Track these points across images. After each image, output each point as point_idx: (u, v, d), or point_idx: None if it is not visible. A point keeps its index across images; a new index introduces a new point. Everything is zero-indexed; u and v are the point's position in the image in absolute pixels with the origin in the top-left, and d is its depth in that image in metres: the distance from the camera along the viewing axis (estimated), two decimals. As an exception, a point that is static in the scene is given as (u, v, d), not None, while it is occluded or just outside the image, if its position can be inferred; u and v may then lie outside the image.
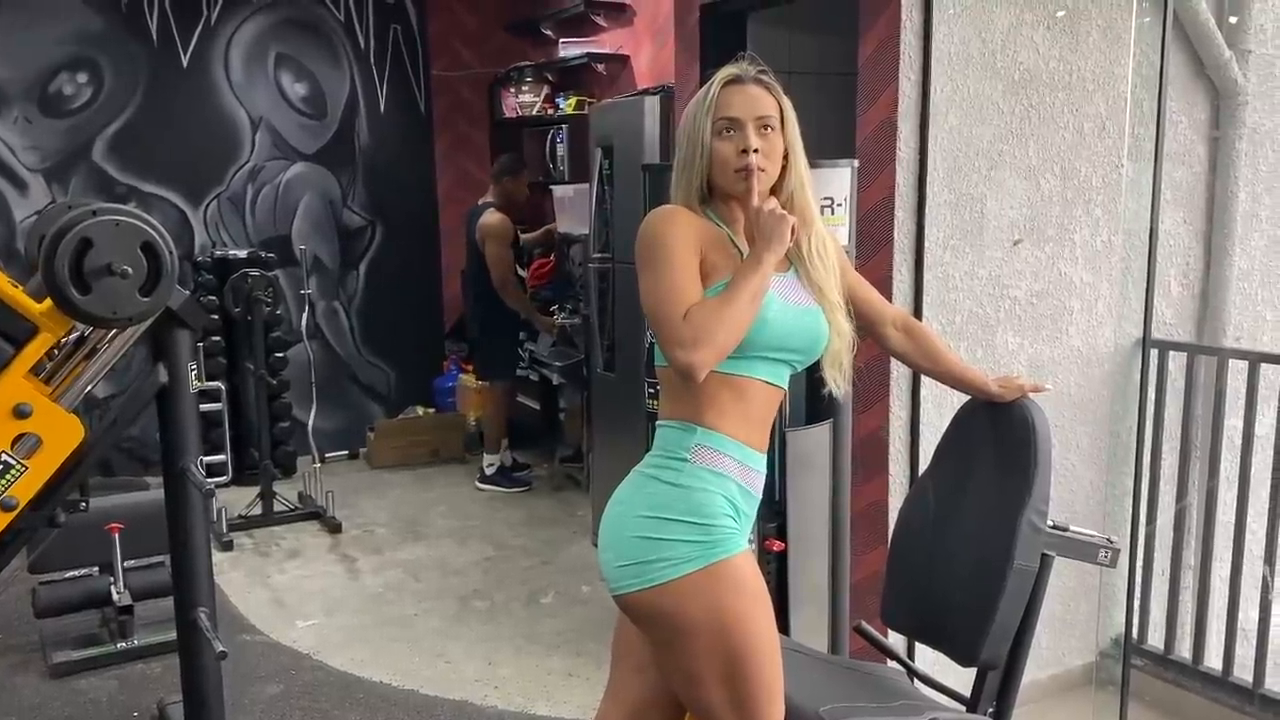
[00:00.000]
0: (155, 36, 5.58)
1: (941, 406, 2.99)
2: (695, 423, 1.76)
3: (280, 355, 5.63)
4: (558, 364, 5.44)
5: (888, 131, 2.94)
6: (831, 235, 1.96)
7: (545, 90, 6.04)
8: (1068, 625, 3.38)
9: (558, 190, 6.07)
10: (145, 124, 5.59)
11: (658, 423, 1.84)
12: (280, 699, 3.35)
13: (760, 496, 1.84)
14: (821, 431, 2.78)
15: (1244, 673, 3.23)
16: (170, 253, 1.86)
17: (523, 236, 5.74)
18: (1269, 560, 3.14)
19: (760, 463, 1.82)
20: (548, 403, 6.22)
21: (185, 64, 5.67)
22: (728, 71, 1.84)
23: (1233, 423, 3.29)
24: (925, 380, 3.00)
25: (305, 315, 5.83)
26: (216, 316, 5.35)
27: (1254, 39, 3.48)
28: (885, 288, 2.92)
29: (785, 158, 1.84)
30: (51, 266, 1.75)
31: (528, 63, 6.12)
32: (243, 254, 5.58)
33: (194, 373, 2.22)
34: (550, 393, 6.10)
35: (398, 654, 3.67)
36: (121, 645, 3.59)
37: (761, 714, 1.74)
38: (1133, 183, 3.26)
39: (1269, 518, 3.10)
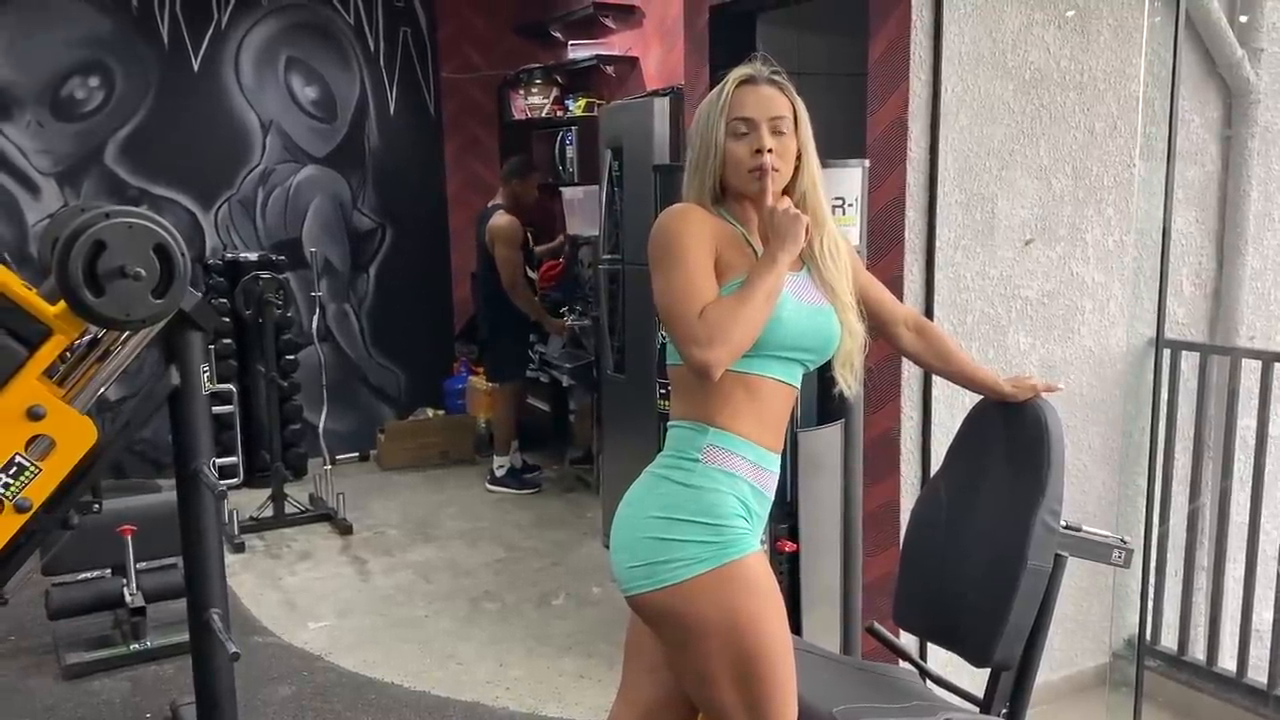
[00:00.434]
0: (166, 40, 5.60)
1: (953, 407, 2.98)
2: (707, 423, 1.76)
3: (291, 357, 5.63)
4: (568, 366, 5.44)
5: (898, 131, 2.94)
6: (843, 236, 1.96)
7: (554, 92, 6.04)
8: (1081, 626, 3.37)
9: (567, 192, 6.08)
10: (156, 127, 5.61)
11: (669, 423, 1.84)
12: (292, 700, 3.36)
13: (773, 497, 1.84)
14: (833, 432, 2.78)
15: (1258, 674, 3.21)
16: (183, 255, 1.86)
17: (537, 249, 5.75)
18: (1283, 561, 3.12)
19: (774, 463, 1.81)
20: (558, 404, 6.23)
21: (196, 67, 5.69)
22: (741, 72, 1.84)
23: (1246, 422, 3.27)
24: (937, 381, 2.99)
25: (316, 317, 5.85)
26: (227, 319, 5.36)
27: (1266, 37, 3.46)
28: (896, 288, 2.92)
29: (798, 158, 1.84)
30: (65, 269, 1.76)
31: (537, 65, 6.12)
32: (253, 257, 5.59)
33: (206, 375, 2.23)
34: (560, 394, 6.11)
35: (409, 655, 3.68)
36: (134, 647, 3.60)
37: (774, 714, 1.73)
38: (1145, 182, 3.24)
39: (1283, 518, 3.09)
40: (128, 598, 3.56)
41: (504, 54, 6.44)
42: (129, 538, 3.56)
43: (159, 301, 1.85)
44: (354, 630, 3.90)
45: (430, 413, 6.42)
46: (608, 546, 1.83)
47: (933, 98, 2.92)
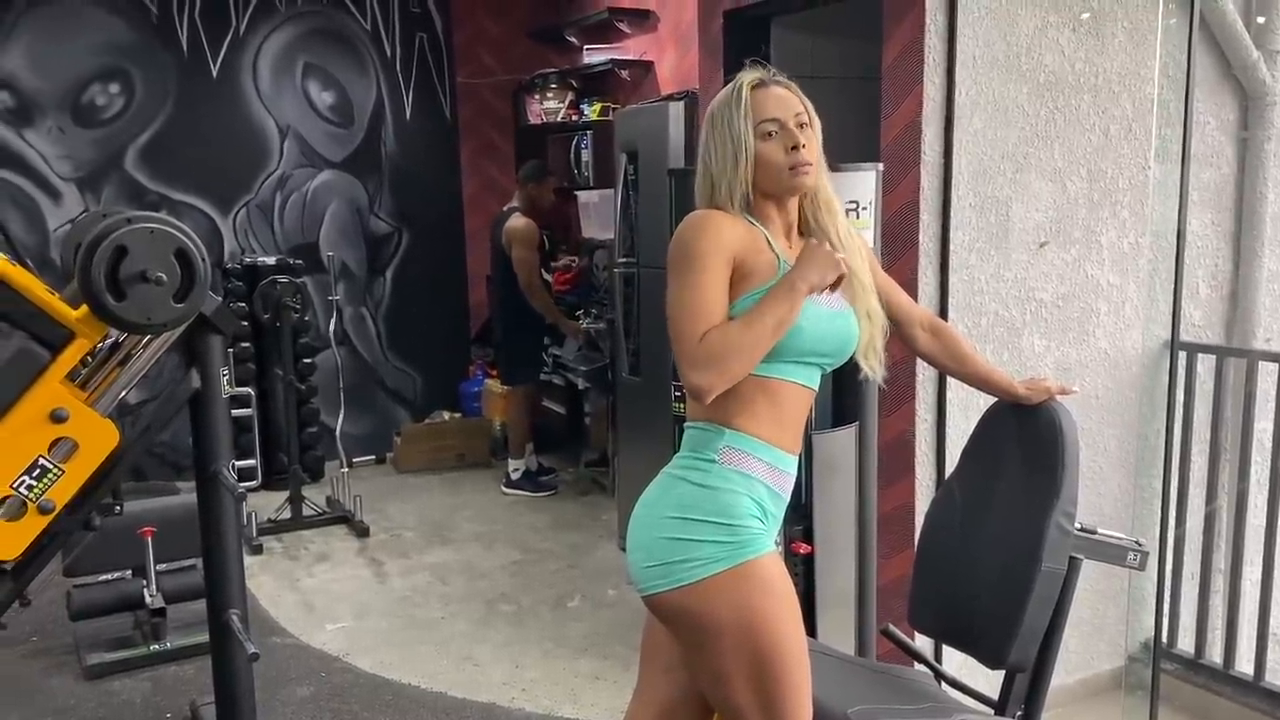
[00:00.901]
0: (185, 47, 5.65)
1: (968, 410, 2.98)
2: (725, 425, 1.77)
3: (308, 361, 5.68)
4: (583, 368, 5.46)
5: (912, 135, 2.94)
6: (858, 232, 1.97)
7: (570, 96, 6.07)
8: (1096, 629, 3.36)
9: (582, 195, 6.10)
10: (176, 133, 5.66)
11: (686, 424, 1.85)
12: (310, 701, 3.38)
13: (789, 499, 1.85)
14: (847, 435, 2.78)
15: (1276, 678, 3.20)
16: (203, 260, 1.88)
17: (553, 264, 5.78)
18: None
19: (791, 465, 1.82)
20: (573, 407, 6.24)
21: (215, 74, 5.74)
22: (752, 76, 1.85)
23: (1263, 425, 3.26)
24: (951, 383, 2.99)
25: (333, 321, 5.89)
26: (246, 323, 5.39)
27: (1282, 39, 3.45)
28: (910, 291, 2.92)
29: None
30: (88, 274, 1.78)
31: (552, 69, 6.15)
32: (271, 261, 5.63)
33: (225, 378, 2.25)
34: (575, 397, 6.12)
35: (426, 657, 3.70)
36: (154, 647, 3.63)
37: (790, 715, 1.74)
38: (1160, 184, 3.24)
39: (1301, 521, 3.08)
40: (148, 599, 3.60)
41: (519, 58, 6.47)
42: (149, 539, 3.59)
43: (180, 306, 1.87)
44: (371, 631, 3.93)
45: (446, 415, 6.45)
46: (623, 549, 1.85)
47: (947, 101, 2.92)
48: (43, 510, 1.84)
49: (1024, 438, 2.06)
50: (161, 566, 3.66)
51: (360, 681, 3.53)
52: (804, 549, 2.70)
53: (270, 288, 5.19)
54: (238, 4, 5.76)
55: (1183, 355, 3.32)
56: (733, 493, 1.74)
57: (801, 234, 1.90)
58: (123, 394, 2.03)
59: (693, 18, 4.57)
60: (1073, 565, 1.96)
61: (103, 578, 3.76)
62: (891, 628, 2.36)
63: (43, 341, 1.84)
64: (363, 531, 5.00)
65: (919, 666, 2.36)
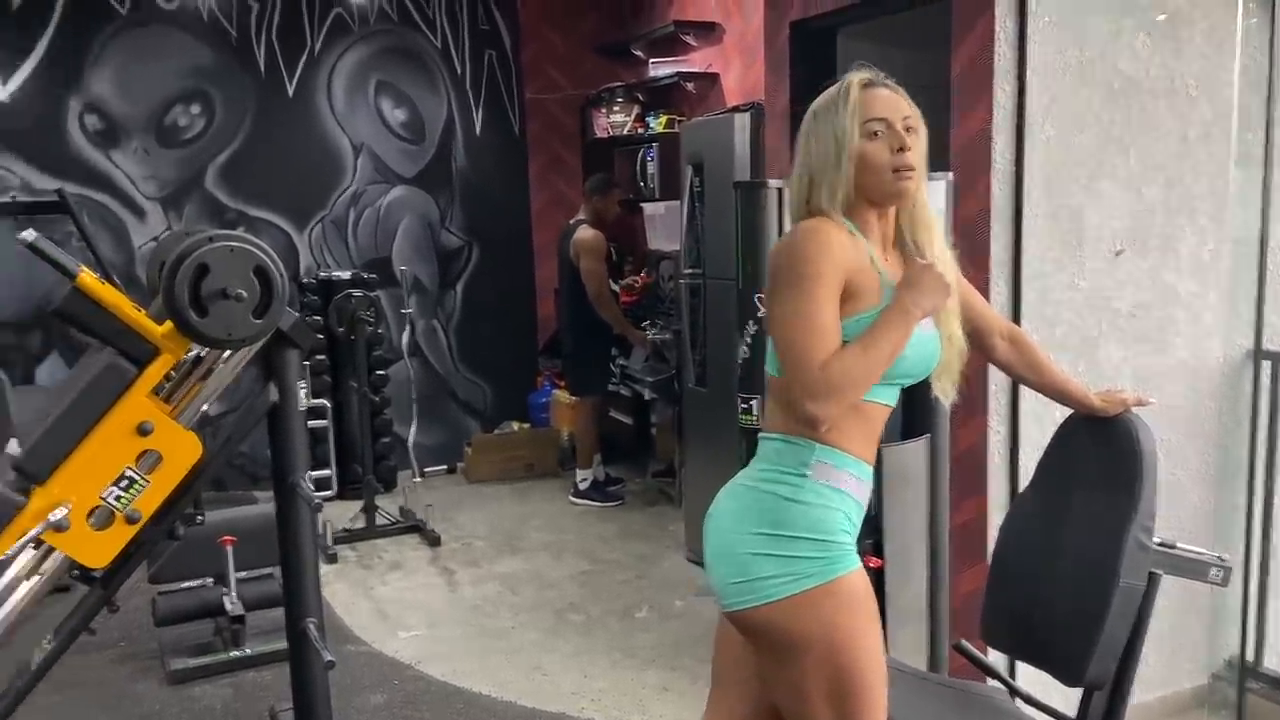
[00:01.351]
0: (263, 67, 5.81)
1: (1042, 421, 2.93)
2: (814, 439, 1.72)
3: (382, 373, 5.78)
4: (649, 379, 5.47)
5: (983, 143, 2.91)
6: (950, 249, 1.94)
7: (636, 110, 6.11)
8: (1178, 646, 3.27)
9: (648, 208, 6.13)
10: (253, 152, 5.82)
11: (765, 434, 1.81)
12: (384, 708, 3.44)
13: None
14: (919, 447, 2.76)
15: (1369, 699, 3.08)
16: (281, 276, 1.94)
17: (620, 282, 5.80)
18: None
19: (870, 475, 1.81)
20: (640, 418, 6.26)
21: (291, 93, 5.89)
22: (861, 75, 1.79)
23: (1353, 437, 3.15)
24: (1024, 395, 2.95)
25: (406, 334, 6.00)
26: (321, 336, 5.51)
27: (1370, 38, 3.34)
28: (982, 301, 2.88)
29: None
30: (172, 291, 1.85)
31: (618, 83, 6.20)
32: (346, 275, 5.75)
33: (303, 391, 2.30)
34: (642, 408, 6.14)
35: (496, 665, 3.73)
36: (234, 653, 3.72)
37: (865, 732, 1.72)
38: (1241, 190, 3.15)
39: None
40: (229, 606, 3.69)
41: (586, 73, 6.53)
42: (229, 548, 3.68)
43: (259, 321, 1.92)
44: (443, 640, 3.98)
45: (515, 426, 6.52)
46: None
47: (1018, 108, 2.88)
48: (130, 520, 1.90)
49: (1100, 451, 2.02)
50: (241, 574, 3.75)
51: (432, 689, 3.58)
52: (875, 562, 2.67)
53: (345, 302, 5.29)
54: (313, 24, 5.91)
55: (1266, 365, 3.23)
56: (825, 508, 1.72)
57: (895, 248, 1.86)
58: (204, 407, 2.10)
59: (758, 30, 4.57)
60: (1152, 580, 1.92)
61: (186, 585, 3.86)
62: (965, 643, 2.33)
63: (130, 357, 1.90)
64: (434, 541, 5.06)
65: (993, 682, 2.32)
